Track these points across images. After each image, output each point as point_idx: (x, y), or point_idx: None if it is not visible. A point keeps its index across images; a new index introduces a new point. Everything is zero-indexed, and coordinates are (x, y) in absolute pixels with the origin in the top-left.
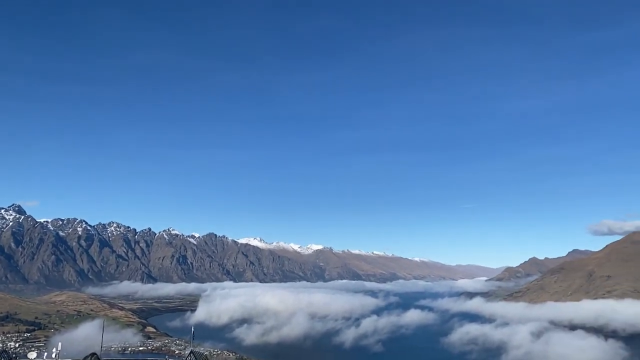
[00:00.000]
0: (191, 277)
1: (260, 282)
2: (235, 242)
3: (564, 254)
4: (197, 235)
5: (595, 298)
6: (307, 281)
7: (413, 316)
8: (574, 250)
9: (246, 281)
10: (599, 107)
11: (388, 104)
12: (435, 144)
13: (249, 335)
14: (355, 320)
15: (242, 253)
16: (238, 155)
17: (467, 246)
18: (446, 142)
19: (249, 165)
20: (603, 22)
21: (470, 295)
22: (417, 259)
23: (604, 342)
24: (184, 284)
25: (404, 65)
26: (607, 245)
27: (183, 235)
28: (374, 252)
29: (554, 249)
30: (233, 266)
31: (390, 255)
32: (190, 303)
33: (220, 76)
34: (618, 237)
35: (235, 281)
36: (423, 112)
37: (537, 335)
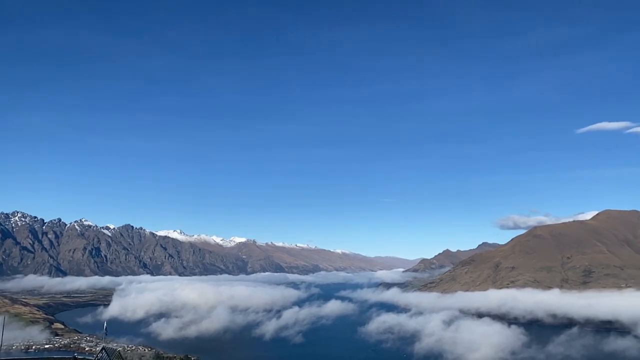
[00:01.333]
0: (105, 270)
1: (180, 275)
2: (153, 234)
3: (475, 246)
4: (112, 226)
5: (501, 288)
6: (229, 274)
7: (333, 307)
8: (484, 243)
9: (164, 274)
10: (508, 110)
11: (312, 99)
12: (358, 139)
13: (166, 330)
14: (276, 312)
15: (161, 245)
16: (158, 145)
17: (387, 238)
18: (368, 137)
19: (169, 156)
20: (515, 32)
21: (388, 285)
22: (339, 250)
23: (507, 328)
24: (97, 277)
25: (328, 60)
26: (512, 239)
27: (97, 227)
28: (298, 244)
29: (465, 241)
30: (150, 259)
31: (314, 247)
32: (103, 297)
33: (141, 61)
34: (522, 231)
35: (152, 274)
36: (346, 108)
37: (448, 323)
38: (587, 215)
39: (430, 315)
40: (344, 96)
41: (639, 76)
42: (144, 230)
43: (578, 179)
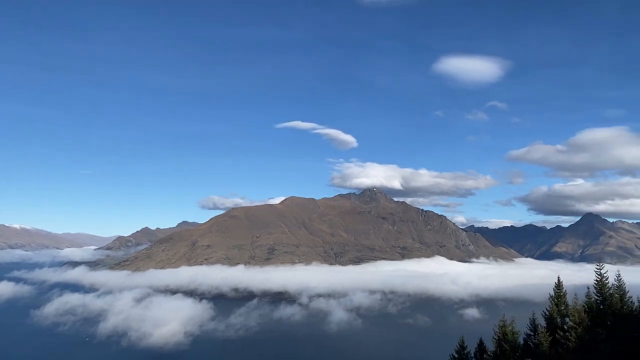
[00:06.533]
0: None
1: None
2: None
3: (175, 224)
4: None
5: (194, 265)
6: None
7: (3, 289)
8: (184, 222)
9: None
10: (217, 95)
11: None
12: (54, 97)
13: None
14: None
15: None
16: None
17: (79, 214)
18: (66, 98)
19: None
20: (239, 23)
21: (75, 264)
22: (17, 225)
23: (198, 303)
24: None
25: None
26: (211, 219)
27: None
28: None
29: (166, 220)
30: None
31: None
32: None
33: None
34: (221, 212)
35: None
36: (35, 59)
37: (139, 301)
38: (277, 200)
39: (120, 294)
40: (52, 49)
41: (328, 84)
42: None
43: (272, 168)
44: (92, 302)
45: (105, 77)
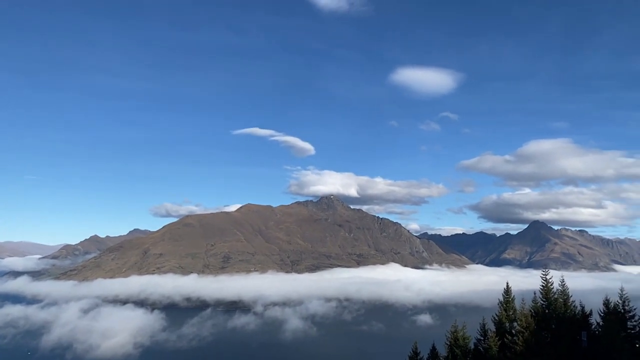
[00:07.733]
0: None
1: None
2: None
3: (126, 232)
4: None
5: (146, 274)
6: None
7: None
8: (135, 230)
9: None
10: (173, 99)
11: None
12: (2, 101)
13: None
14: None
15: None
16: None
17: (23, 221)
18: (16, 101)
19: None
20: (193, 26)
21: (17, 274)
22: None
23: (150, 314)
24: None
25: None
26: (164, 226)
27: None
28: None
29: (116, 227)
30: None
31: None
32: None
33: None
34: (175, 219)
35: None
36: None
37: (86, 312)
38: (233, 208)
39: (66, 305)
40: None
41: (287, 91)
42: None
43: (228, 174)
44: (35, 313)
45: (52, 79)
